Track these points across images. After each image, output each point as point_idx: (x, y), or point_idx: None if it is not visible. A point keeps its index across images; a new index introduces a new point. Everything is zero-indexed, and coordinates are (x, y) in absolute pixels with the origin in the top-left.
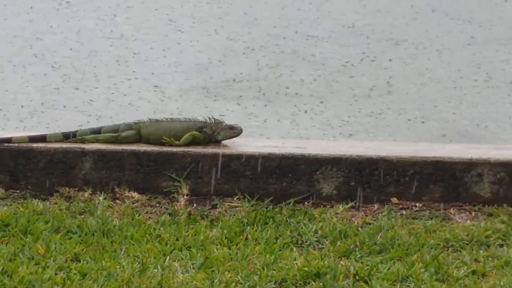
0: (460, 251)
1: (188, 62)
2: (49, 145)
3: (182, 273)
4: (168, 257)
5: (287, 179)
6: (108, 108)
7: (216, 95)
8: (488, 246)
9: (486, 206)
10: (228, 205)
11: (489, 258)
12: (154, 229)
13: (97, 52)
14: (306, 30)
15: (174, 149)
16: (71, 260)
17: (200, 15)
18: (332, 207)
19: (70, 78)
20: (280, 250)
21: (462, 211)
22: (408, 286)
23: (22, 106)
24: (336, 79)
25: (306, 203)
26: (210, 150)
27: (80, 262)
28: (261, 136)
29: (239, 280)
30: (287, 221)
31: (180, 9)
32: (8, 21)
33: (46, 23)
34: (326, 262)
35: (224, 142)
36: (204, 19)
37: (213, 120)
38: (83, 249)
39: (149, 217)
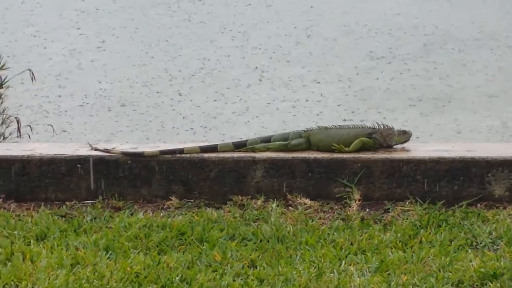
0: None
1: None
2: (220, 155)
3: (358, 277)
4: (343, 261)
5: (458, 182)
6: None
7: (365, 104)
8: None
9: None
10: (400, 209)
11: None
12: (328, 234)
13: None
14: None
15: (344, 156)
16: (248, 266)
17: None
18: (505, 208)
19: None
20: (455, 252)
21: None
22: None
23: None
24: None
25: (478, 205)
26: (380, 155)
27: (256, 268)
28: (428, 141)
29: (415, 283)
30: (460, 223)
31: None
32: None
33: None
34: (502, 263)
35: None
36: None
37: (382, 126)
38: (259, 256)
39: (323, 223)
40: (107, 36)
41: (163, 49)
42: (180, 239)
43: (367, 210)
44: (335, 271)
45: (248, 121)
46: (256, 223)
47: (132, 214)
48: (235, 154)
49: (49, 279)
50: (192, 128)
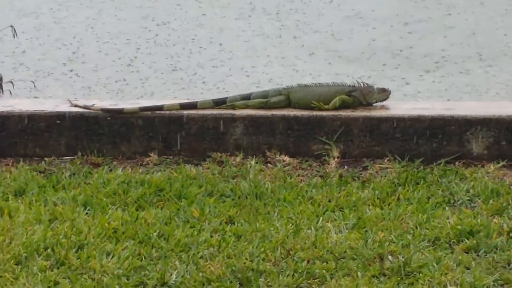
0: None
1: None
2: (200, 112)
3: (335, 233)
4: (321, 218)
5: (437, 140)
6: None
7: (354, 62)
8: None
9: None
10: (378, 166)
11: None
12: (306, 191)
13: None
14: None
15: (324, 113)
16: (226, 222)
17: None
18: (483, 166)
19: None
20: (433, 210)
21: None
22: None
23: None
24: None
25: (456, 163)
26: (359, 113)
27: (234, 224)
28: (408, 99)
29: (392, 239)
30: (438, 181)
31: None
32: None
33: None
34: (479, 220)
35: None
36: None
37: (362, 84)
38: (237, 212)
39: (301, 180)
40: None
41: None
42: (159, 195)
43: (346, 167)
44: (312, 228)
45: None
46: (235, 180)
47: (111, 170)
48: (215, 111)
49: (27, 234)
50: None
